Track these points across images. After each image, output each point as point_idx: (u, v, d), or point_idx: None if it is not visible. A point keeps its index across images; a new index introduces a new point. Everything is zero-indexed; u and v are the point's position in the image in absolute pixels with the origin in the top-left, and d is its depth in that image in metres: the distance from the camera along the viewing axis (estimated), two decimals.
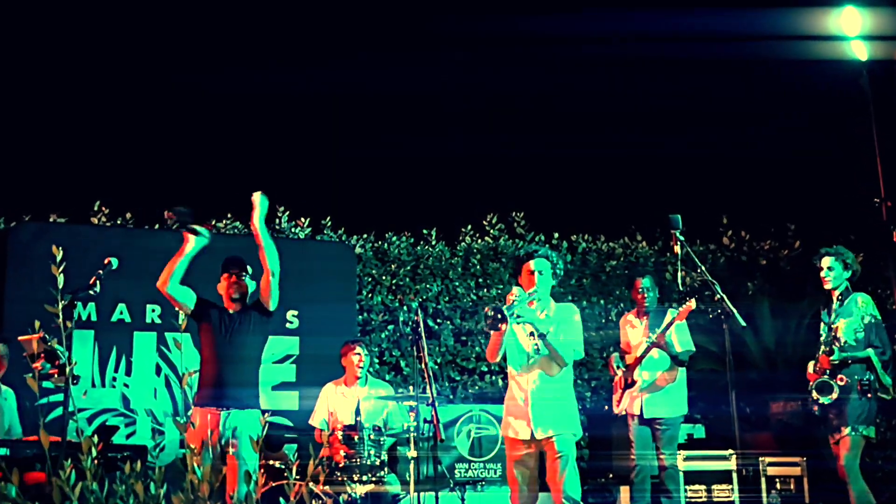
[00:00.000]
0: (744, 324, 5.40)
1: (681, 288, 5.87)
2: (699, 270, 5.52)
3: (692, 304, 6.03)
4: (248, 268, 5.46)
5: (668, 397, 6.43)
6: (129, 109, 9.79)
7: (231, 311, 5.36)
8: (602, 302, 9.57)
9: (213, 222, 8.95)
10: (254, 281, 5.44)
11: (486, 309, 4.82)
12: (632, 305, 6.85)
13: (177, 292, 5.23)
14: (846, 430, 5.51)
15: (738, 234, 10.10)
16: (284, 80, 10.05)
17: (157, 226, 8.73)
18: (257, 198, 5.21)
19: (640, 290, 6.58)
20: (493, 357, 5.01)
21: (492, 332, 4.84)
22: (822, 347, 5.70)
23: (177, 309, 5.28)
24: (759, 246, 10.08)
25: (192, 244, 5.15)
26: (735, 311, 5.38)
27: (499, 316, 4.76)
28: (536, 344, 4.91)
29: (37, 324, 3.69)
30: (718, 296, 5.46)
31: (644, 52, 9.41)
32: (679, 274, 5.67)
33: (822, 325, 5.82)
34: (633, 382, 6.45)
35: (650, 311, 6.57)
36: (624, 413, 6.52)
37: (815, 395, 5.65)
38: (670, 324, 6.25)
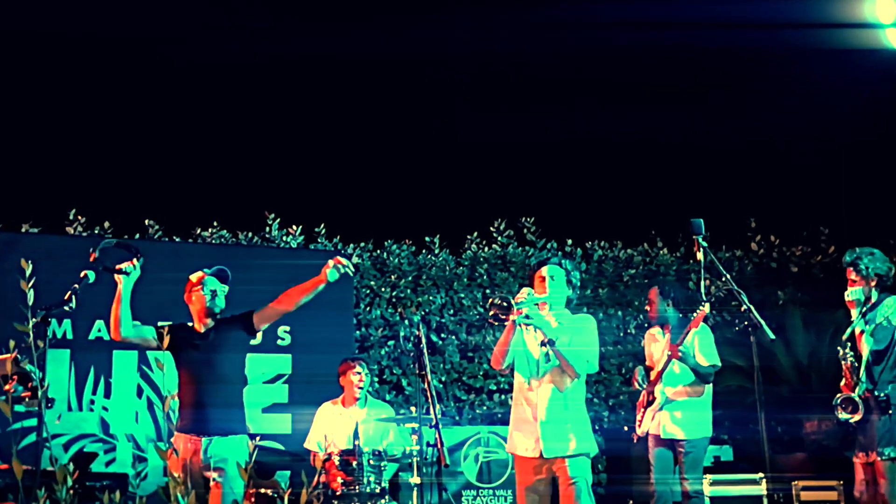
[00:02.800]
0: (773, 336, 5.38)
1: (704, 297, 5.86)
2: (724, 279, 5.49)
3: (706, 308, 6.00)
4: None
5: (690, 416, 6.41)
6: (108, 110, 9.82)
7: (203, 329, 5.32)
8: (620, 314, 9.56)
9: (199, 231, 8.98)
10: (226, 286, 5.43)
11: (493, 298, 4.81)
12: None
13: (133, 335, 5.19)
14: (874, 455, 5.46)
15: (766, 239, 10.09)
16: (271, 75, 10.08)
17: (137, 235, 8.76)
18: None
19: (649, 300, 6.66)
20: (498, 363, 4.98)
21: (497, 323, 4.83)
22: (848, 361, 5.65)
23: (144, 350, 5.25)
24: (789, 252, 10.07)
25: (123, 284, 5.10)
26: (764, 322, 5.36)
27: (504, 304, 4.75)
28: (546, 351, 4.90)
29: (11, 343, 3.70)
30: (745, 306, 5.44)
31: (667, 41, 9.42)
32: (703, 283, 5.65)
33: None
34: (654, 399, 6.46)
35: (672, 324, 6.59)
36: (646, 434, 6.52)
37: (839, 412, 5.59)
38: (686, 333, 6.25)
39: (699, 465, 6.45)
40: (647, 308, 6.70)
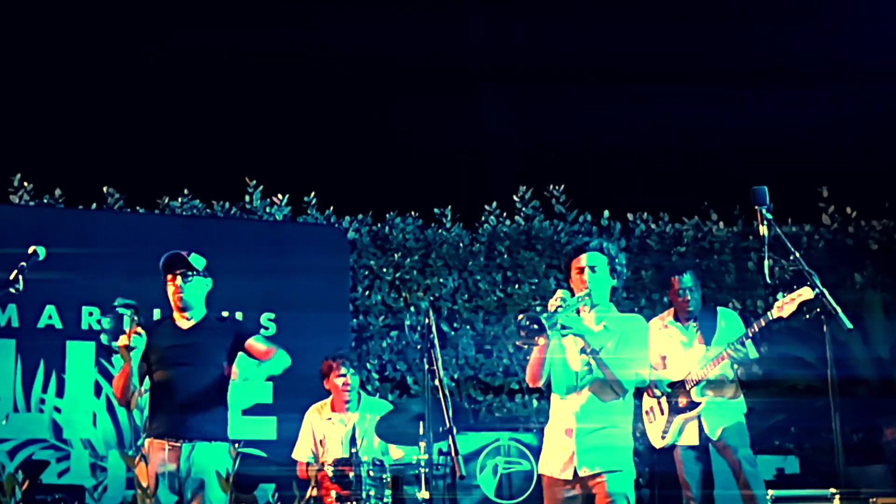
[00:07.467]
0: (850, 326, 5.34)
1: (768, 280, 5.80)
2: (792, 257, 5.45)
3: (807, 292, 5.82)
4: (202, 260, 5.43)
5: (734, 421, 6.49)
6: (59, 63, 9.80)
7: (185, 328, 5.42)
8: (666, 300, 9.53)
9: (167, 200, 8.97)
10: (209, 278, 5.48)
11: (520, 316, 4.73)
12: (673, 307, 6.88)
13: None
14: None
15: (841, 212, 10.05)
16: (253, 22, 10.05)
17: (94, 205, 8.76)
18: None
19: (680, 290, 6.59)
20: (534, 380, 4.95)
21: (526, 346, 4.77)
22: None
23: None
24: (868, 226, 10.02)
25: (133, 361, 5.16)
26: (839, 310, 5.33)
27: (535, 326, 4.65)
28: (588, 360, 4.86)
29: None
30: (817, 290, 5.42)
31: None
32: (766, 262, 5.60)
33: None
34: (694, 405, 6.46)
35: (696, 315, 6.61)
36: (672, 445, 6.55)
37: None
38: (773, 321, 6.21)
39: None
40: (682, 299, 6.62)
